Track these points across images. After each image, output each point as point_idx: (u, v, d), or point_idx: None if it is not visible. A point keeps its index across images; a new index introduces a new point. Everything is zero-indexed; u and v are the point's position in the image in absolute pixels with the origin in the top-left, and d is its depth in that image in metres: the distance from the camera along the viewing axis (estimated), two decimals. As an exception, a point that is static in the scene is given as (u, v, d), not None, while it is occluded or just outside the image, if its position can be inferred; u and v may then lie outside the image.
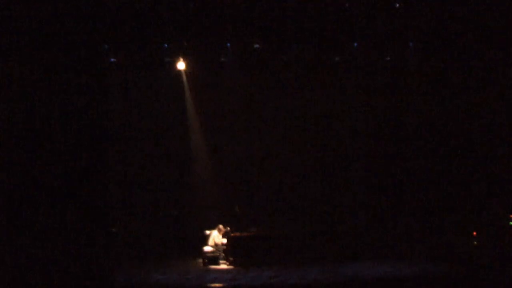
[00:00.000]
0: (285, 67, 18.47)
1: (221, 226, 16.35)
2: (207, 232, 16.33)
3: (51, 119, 16.53)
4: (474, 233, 16.51)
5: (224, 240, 16.13)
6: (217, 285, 13.44)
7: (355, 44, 17.80)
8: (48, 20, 15.95)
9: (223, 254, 15.98)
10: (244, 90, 18.69)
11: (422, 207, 18.14)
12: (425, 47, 17.76)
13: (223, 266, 15.76)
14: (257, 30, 17.29)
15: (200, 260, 16.14)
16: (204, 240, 16.28)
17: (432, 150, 18.26)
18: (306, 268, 14.94)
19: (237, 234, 16.07)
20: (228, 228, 16.27)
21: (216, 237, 16.16)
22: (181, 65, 17.94)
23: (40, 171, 16.15)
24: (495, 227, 16.61)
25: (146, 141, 18.49)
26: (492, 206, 17.03)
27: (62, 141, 16.70)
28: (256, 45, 17.71)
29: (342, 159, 18.82)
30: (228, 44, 17.65)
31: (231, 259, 15.83)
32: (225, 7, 16.62)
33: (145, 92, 18.45)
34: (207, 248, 16.02)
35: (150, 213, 18.27)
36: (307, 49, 17.85)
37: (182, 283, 13.64)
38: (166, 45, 17.56)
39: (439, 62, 17.89)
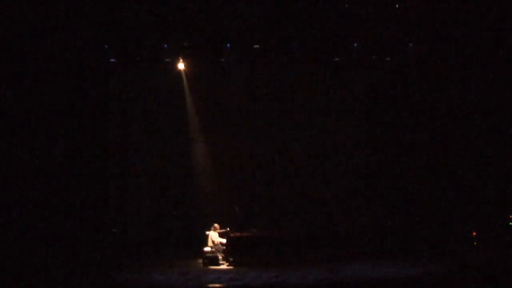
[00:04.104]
0: (285, 67, 18.49)
1: (216, 225, 16.34)
2: (207, 232, 16.32)
3: (52, 120, 16.58)
4: (474, 233, 16.52)
5: (223, 240, 16.12)
6: (217, 285, 13.43)
7: (355, 44, 17.82)
8: (48, 21, 16.00)
9: (223, 254, 15.97)
10: (244, 90, 18.68)
11: (422, 207, 18.13)
12: (425, 47, 17.79)
13: (223, 266, 15.75)
14: (257, 30, 17.30)
15: (200, 260, 16.13)
16: (204, 240, 16.27)
17: (432, 150, 18.26)
18: (306, 269, 14.93)
19: (237, 234, 16.06)
20: (228, 228, 16.26)
21: (214, 237, 16.15)
22: (181, 65, 17.96)
23: (40, 172, 16.19)
24: (495, 227, 16.61)
25: (146, 141, 18.49)
26: (492, 206, 17.03)
27: (62, 142, 16.74)
28: (256, 45, 17.73)
29: (342, 159, 18.81)
30: (228, 44, 17.66)
31: (231, 259, 15.82)
32: (225, 8, 16.63)
33: (145, 92, 18.45)
34: (207, 249, 16.01)
35: (150, 213, 18.26)
36: (307, 49, 17.86)
37: (182, 283, 13.64)
38: (166, 45, 17.58)
39: (439, 62, 17.91)
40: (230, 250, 15.84)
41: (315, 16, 16.96)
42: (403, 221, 18.27)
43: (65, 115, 16.82)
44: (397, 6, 16.93)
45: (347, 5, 16.88)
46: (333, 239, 18.08)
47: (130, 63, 18.04)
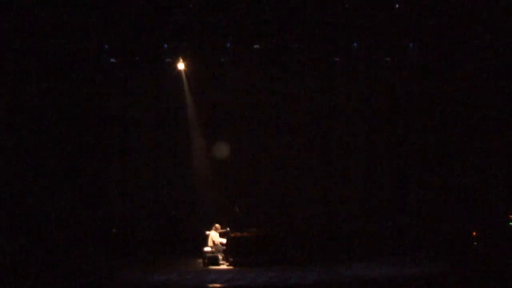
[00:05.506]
0: (285, 67, 18.49)
1: (217, 225, 16.34)
2: (207, 232, 16.32)
3: (52, 120, 16.59)
4: (474, 233, 16.52)
5: (223, 240, 16.12)
6: (217, 285, 13.43)
7: (355, 44, 17.82)
8: (48, 21, 16.01)
9: (223, 254, 15.97)
10: (244, 90, 18.68)
11: (422, 207, 18.13)
12: (425, 47, 17.78)
13: (223, 266, 15.75)
14: (257, 30, 17.31)
15: (200, 260, 16.14)
16: (204, 240, 16.27)
17: (432, 150, 18.25)
18: (306, 268, 14.94)
19: (237, 234, 16.06)
20: (228, 228, 16.26)
21: (214, 237, 16.15)
22: (181, 65, 17.96)
23: (40, 172, 16.20)
24: (495, 227, 16.61)
25: (146, 141, 18.48)
26: (492, 206, 17.03)
27: (63, 142, 16.75)
28: (256, 45, 17.73)
29: (342, 159, 18.81)
30: (228, 44, 17.66)
31: (231, 259, 15.83)
32: (225, 8, 16.64)
33: (145, 92, 18.45)
34: (207, 249, 16.01)
35: (150, 213, 18.26)
36: (307, 49, 17.87)
37: (182, 283, 13.64)
38: (166, 45, 17.58)
39: (439, 62, 17.91)
40: (230, 250, 15.84)
41: (315, 16, 16.96)
42: (403, 221, 18.26)
43: (65, 115, 16.83)
44: (397, 6, 16.93)
45: (347, 5, 16.88)
46: (333, 238, 18.05)
47: (130, 63, 18.04)
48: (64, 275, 14.17)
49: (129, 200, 18.27)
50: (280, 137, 18.74)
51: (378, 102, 18.86)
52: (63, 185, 16.66)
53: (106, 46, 17.36)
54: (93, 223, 17.06)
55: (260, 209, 18.28)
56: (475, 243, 16.41)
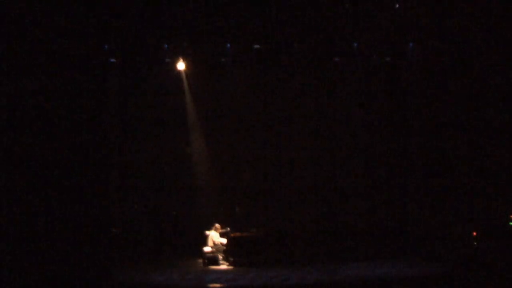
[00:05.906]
0: (285, 67, 18.49)
1: (217, 225, 16.37)
2: (207, 232, 16.34)
3: (51, 120, 16.55)
4: (474, 233, 16.51)
5: (223, 240, 16.13)
6: (217, 285, 13.44)
7: (355, 44, 17.83)
8: (48, 21, 15.98)
9: (223, 255, 15.98)
10: (244, 90, 18.69)
11: (422, 207, 18.13)
12: (425, 47, 17.78)
13: (223, 266, 15.76)
14: (257, 30, 17.31)
15: (200, 260, 16.15)
16: (204, 240, 16.28)
17: (432, 150, 18.24)
18: (306, 268, 14.94)
19: (237, 234, 16.07)
20: (228, 228, 16.28)
21: (214, 237, 16.16)
22: (181, 65, 17.96)
23: (40, 172, 16.17)
24: (495, 227, 16.60)
25: (146, 141, 18.49)
26: (492, 206, 17.01)
27: (63, 141, 16.72)
28: (256, 45, 17.73)
29: (342, 159, 18.81)
30: (228, 44, 17.67)
31: (231, 259, 15.83)
32: (225, 8, 16.64)
33: (145, 92, 18.46)
34: (207, 249, 16.02)
35: (149, 213, 18.26)
36: (307, 49, 17.87)
37: (182, 283, 13.64)
38: (166, 45, 17.59)
39: (439, 62, 17.90)
40: (230, 250, 15.85)
41: (315, 16, 16.96)
42: (403, 221, 18.27)
43: (64, 116, 16.79)
44: (397, 6, 16.93)
45: (347, 5, 16.88)
46: (333, 238, 18.06)
47: (130, 63, 18.04)
48: (63, 275, 14.16)
49: (129, 200, 18.28)
50: (280, 137, 18.74)
51: (378, 102, 18.86)
52: (63, 185, 16.62)
53: (106, 46, 17.35)
54: (93, 223, 17.03)
55: (260, 209, 18.29)
56: (475, 243, 16.40)
